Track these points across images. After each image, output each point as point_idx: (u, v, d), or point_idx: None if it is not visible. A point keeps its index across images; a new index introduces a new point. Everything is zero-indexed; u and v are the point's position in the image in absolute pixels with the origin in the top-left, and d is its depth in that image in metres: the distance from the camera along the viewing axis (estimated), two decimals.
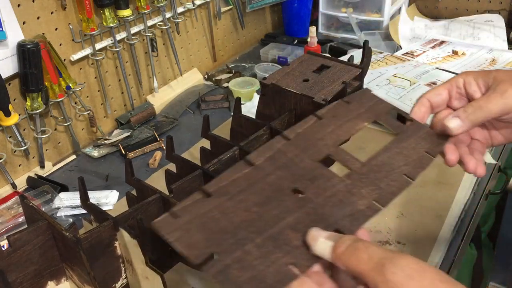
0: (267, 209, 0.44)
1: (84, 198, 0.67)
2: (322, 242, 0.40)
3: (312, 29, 1.24)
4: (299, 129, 0.55)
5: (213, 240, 0.41)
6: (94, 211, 0.66)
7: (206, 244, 0.40)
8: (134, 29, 1.09)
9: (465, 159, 0.56)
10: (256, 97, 1.13)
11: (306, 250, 0.41)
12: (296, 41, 1.47)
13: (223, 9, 1.35)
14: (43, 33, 0.92)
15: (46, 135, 0.96)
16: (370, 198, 0.47)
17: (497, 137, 0.60)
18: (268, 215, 0.43)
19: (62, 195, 0.89)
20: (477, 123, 0.54)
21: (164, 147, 0.95)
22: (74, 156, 1.04)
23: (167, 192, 0.66)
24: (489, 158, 0.95)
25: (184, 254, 0.40)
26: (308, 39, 1.25)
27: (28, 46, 0.85)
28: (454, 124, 0.54)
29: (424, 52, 1.35)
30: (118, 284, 0.63)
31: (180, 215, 0.42)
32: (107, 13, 1.00)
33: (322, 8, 1.49)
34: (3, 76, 0.85)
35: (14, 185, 0.93)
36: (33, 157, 0.97)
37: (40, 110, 0.91)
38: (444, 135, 0.55)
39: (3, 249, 0.59)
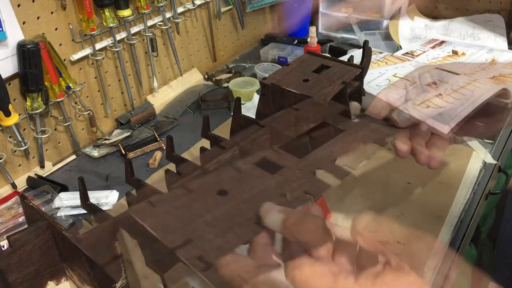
0: (185, 211, 0.45)
1: (84, 198, 0.67)
2: (273, 214, 0.41)
3: (312, 29, 1.24)
4: (237, 138, 0.56)
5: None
6: (94, 211, 0.66)
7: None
8: (134, 29, 1.09)
9: (416, 150, 0.55)
10: (256, 97, 1.13)
11: (219, 242, 0.42)
12: (296, 41, 1.47)
13: (223, 9, 1.35)
14: (43, 33, 0.92)
15: (46, 135, 0.96)
16: (300, 190, 0.47)
17: (459, 133, 0.58)
18: (186, 216, 0.44)
19: (62, 195, 0.89)
20: (428, 115, 0.53)
21: (164, 147, 0.95)
22: (74, 156, 1.04)
23: None
24: (489, 158, 0.95)
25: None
26: (308, 39, 1.25)
27: (28, 46, 0.85)
28: (401, 116, 0.54)
29: (424, 52, 1.35)
30: (118, 284, 0.63)
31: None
32: (107, 13, 1.00)
33: (322, 8, 1.49)
34: (3, 76, 0.85)
35: (14, 185, 0.93)
36: (33, 157, 0.97)
37: (40, 110, 0.91)
38: (398, 127, 0.55)
39: (3, 249, 0.59)
